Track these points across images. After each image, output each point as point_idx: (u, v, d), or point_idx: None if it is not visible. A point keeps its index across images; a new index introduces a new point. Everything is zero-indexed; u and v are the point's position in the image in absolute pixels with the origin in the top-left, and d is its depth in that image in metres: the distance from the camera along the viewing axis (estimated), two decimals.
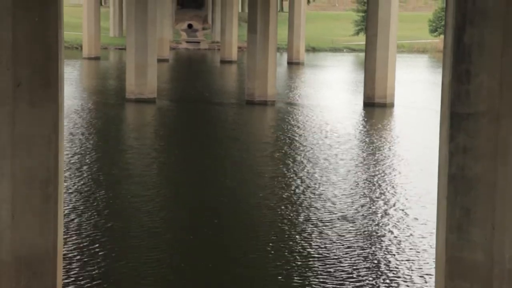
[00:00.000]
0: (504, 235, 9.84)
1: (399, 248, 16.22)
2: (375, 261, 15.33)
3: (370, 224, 17.97)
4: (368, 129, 33.94)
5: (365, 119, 36.92)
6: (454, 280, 10.11)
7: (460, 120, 9.99)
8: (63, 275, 11.91)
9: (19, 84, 9.17)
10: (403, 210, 19.43)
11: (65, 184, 20.54)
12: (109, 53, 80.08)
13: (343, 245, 16.30)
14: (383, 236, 17.13)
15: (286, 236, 17.00)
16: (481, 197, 9.90)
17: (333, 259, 15.37)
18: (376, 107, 39.83)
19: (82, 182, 21.56)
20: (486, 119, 9.84)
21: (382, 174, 23.78)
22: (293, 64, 70.72)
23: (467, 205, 9.97)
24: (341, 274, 14.51)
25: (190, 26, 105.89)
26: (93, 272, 14.04)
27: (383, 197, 20.78)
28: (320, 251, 15.83)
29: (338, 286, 13.91)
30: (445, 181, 10.19)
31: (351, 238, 16.78)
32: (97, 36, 71.11)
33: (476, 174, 9.91)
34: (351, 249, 16.01)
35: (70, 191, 20.33)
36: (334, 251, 15.86)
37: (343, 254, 15.67)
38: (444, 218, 10.23)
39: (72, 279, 13.54)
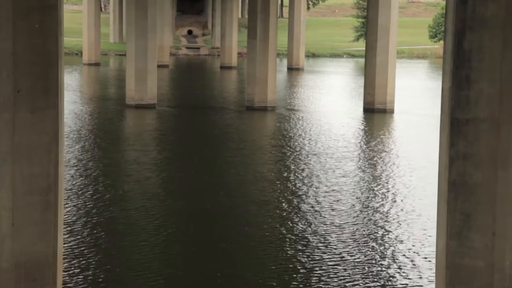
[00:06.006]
0: (505, 241, 9.83)
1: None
2: None
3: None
4: (368, 135, 33.92)
5: (365, 125, 36.90)
6: (454, 286, 10.10)
7: (460, 126, 9.98)
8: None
9: (19, 91, 9.16)
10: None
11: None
12: (109, 59, 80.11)
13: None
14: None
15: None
16: (482, 203, 9.89)
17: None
18: (376, 113, 39.83)
19: (79, 197, 21.54)
20: (486, 125, 9.83)
21: (383, 184, 23.76)
22: (293, 70, 70.76)
23: (468, 211, 9.96)
24: None
25: (190, 32, 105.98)
26: None
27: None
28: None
29: None
30: (445, 187, 10.18)
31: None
32: (97, 42, 71.14)
33: (476, 180, 9.90)
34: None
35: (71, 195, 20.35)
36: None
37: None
38: (444, 224, 10.21)
39: None
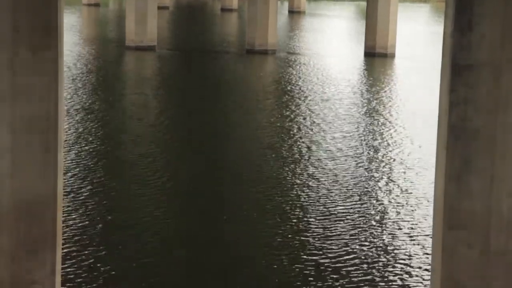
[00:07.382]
0: (502, 185, 9.87)
1: None
2: None
3: None
4: (369, 79, 33.84)
5: (368, 70, 36.78)
6: (452, 229, 10.16)
7: (461, 71, 9.95)
8: None
9: (18, 30, 9.11)
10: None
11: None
12: (109, 0, 79.56)
13: None
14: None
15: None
16: (481, 148, 9.90)
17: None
18: (377, 57, 39.69)
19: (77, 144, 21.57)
20: (487, 70, 9.80)
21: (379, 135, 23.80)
22: (294, 13, 70.31)
23: (467, 155, 9.98)
24: None
25: None
26: None
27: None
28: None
29: None
30: (445, 132, 10.18)
31: None
32: None
33: (476, 125, 9.89)
34: None
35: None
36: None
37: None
38: (443, 168, 10.24)
39: None
